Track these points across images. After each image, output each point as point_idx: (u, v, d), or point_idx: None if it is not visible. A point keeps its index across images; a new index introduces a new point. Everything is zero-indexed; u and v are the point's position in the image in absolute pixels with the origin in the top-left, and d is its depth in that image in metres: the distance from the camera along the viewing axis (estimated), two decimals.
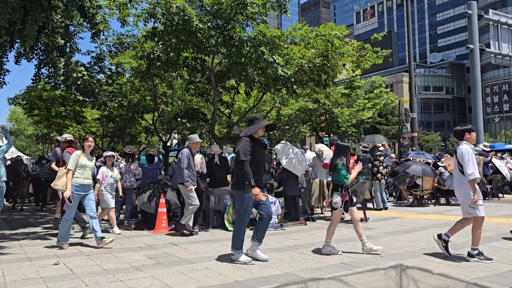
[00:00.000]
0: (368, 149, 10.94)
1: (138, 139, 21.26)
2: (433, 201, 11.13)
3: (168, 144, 18.13)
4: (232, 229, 7.38)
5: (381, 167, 10.12)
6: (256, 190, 4.71)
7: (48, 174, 12.56)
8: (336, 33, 9.21)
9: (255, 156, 4.84)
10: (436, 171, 11.29)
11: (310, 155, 9.71)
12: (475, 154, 11.64)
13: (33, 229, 7.76)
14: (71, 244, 6.03)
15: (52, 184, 6.10)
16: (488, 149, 12.40)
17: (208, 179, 8.57)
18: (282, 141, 8.88)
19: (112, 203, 7.19)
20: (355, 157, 11.66)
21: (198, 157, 7.52)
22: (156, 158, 10.05)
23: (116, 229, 7.17)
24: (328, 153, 8.56)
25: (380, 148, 10.66)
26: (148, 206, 7.71)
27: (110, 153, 7.70)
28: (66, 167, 5.96)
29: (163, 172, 13.13)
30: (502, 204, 10.76)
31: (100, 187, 7.10)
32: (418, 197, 10.81)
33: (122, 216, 8.75)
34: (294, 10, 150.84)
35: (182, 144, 20.32)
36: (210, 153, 8.52)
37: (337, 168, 5.23)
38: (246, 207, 4.83)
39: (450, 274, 4.12)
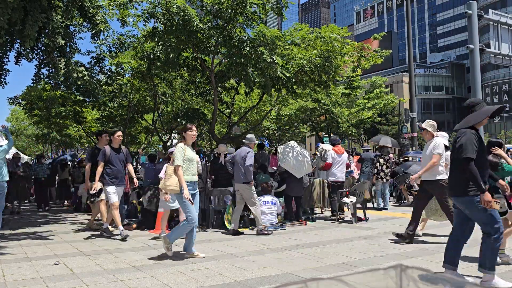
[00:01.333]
0: (369, 149, 10.96)
1: (138, 139, 21.25)
2: None
3: (168, 144, 18.12)
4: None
5: (384, 166, 10.11)
6: (488, 196, 3.63)
7: (48, 174, 12.33)
8: (336, 37, 9.21)
9: (480, 153, 3.83)
10: None
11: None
12: None
13: (33, 229, 7.77)
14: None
15: (160, 185, 5.18)
16: None
17: (209, 179, 8.60)
18: (291, 142, 8.85)
19: (173, 204, 6.37)
20: (358, 157, 11.67)
21: (195, 157, 7.53)
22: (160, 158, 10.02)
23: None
24: (329, 153, 8.55)
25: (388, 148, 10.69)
26: (153, 206, 7.73)
27: (173, 149, 6.85)
28: (172, 163, 5.06)
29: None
30: None
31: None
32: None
33: None
34: (294, 10, 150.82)
35: None
36: (216, 152, 8.58)
37: (498, 167, 4.57)
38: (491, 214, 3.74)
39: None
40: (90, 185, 6.89)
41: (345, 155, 8.74)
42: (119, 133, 6.91)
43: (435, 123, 5.74)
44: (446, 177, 5.31)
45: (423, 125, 5.72)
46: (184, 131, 5.30)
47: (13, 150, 16.95)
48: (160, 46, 9.49)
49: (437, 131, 5.76)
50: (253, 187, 6.93)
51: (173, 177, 5.00)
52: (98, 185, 6.59)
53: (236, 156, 7.09)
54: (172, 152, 6.36)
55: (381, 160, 10.10)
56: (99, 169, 6.56)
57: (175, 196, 5.21)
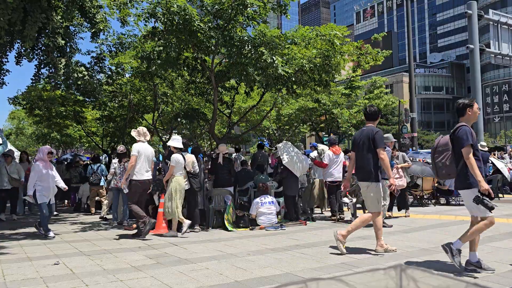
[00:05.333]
0: None
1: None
2: (433, 201, 11.13)
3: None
4: (232, 229, 7.39)
5: None
6: None
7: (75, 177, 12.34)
8: (336, 33, 9.21)
9: None
10: None
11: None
12: None
13: (33, 229, 7.76)
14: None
15: None
16: (486, 149, 12.40)
17: (208, 179, 8.60)
18: (284, 141, 8.91)
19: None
20: None
21: (190, 157, 7.50)
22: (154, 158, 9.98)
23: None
24: (327, 153, 8.56)
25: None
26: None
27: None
28: None
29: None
30: (502, 204, 10.76)
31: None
32: (418, 197, 10.81)
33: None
34: (294, 10, 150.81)
35: None
36: (216, 152, 8.59)
37: None
38: None
39: (450, 274, 4.12)
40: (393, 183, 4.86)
41: (342, 155, 8.83)
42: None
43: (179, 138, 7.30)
44: None
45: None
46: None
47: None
48: (161, 47, 9.48)
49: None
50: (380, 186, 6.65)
51: None
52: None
53: None
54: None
55: None
56: (383, 157, 4.60)
57: None
